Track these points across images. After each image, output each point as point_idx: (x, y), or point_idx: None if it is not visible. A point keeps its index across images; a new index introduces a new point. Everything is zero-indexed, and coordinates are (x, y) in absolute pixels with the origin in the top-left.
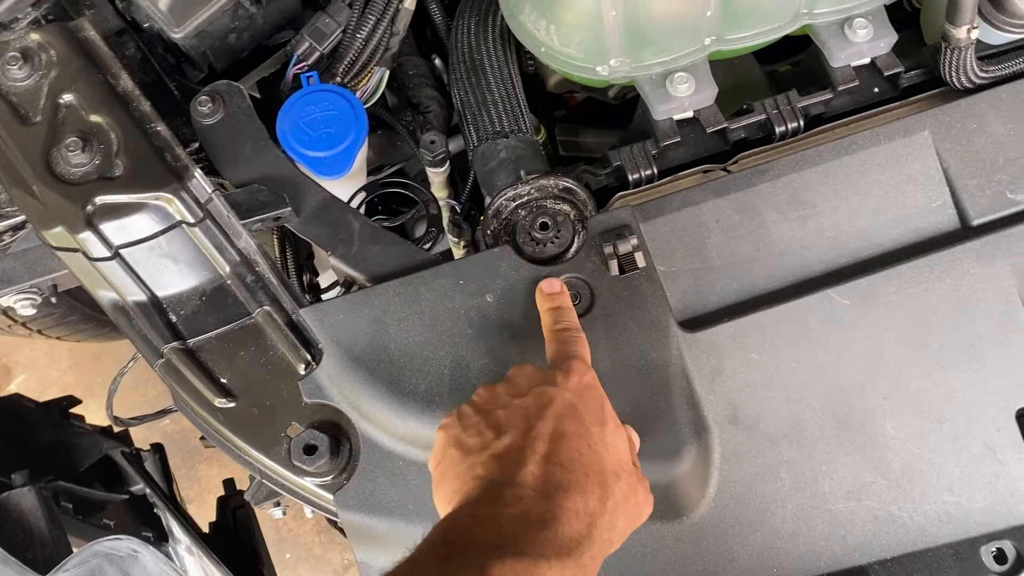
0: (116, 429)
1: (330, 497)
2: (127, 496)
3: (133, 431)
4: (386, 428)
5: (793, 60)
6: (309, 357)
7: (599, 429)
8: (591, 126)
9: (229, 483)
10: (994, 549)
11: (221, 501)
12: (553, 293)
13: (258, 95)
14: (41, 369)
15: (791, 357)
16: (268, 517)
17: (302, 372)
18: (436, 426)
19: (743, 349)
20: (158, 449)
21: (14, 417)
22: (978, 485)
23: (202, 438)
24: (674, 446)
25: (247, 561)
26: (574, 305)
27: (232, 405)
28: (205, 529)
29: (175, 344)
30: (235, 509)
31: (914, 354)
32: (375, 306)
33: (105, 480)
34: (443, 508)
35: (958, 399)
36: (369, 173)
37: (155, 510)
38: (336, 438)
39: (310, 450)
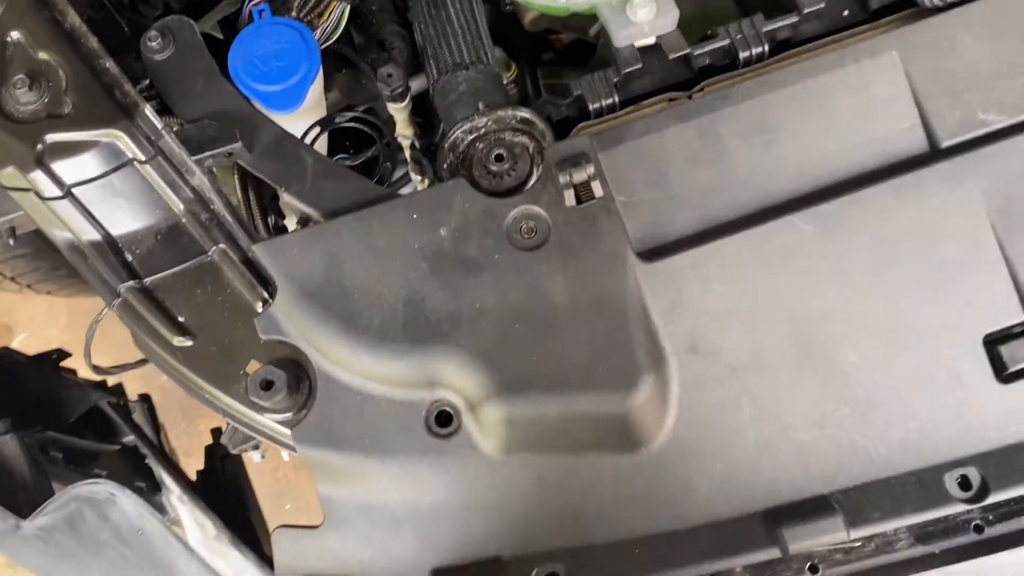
0: (107, 380)
1: (290, 433)
2: (119, 447)
3: (131, 384)
4: (342, 363)
5: None
6: (266, 295)
7: None
8: (576, 68)
9: (217, 432)
10: (958, 476)
11: (209, 449)
12: None
13: (220, 35)
14: (40, 328)
15: (752, 285)
16: (267, 471)
17: (259, 309)
18: (391, 359)
19: (703, 278)
20: (146, 399)
21: (4, 370)
22: (943, 412)
23: None
24: (631, 377)
25: (235, 507)
26: (529, 238)
27: (190, 344)
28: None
29: (131, 283)
30: (223, 457)
31: (879, 280)
32: (328, 241)
33: (98, 431)
34: None
35: (924, 325)
36: (336, 114)
37: (147, 461)
38: (296, 375)
39: (267, 385)
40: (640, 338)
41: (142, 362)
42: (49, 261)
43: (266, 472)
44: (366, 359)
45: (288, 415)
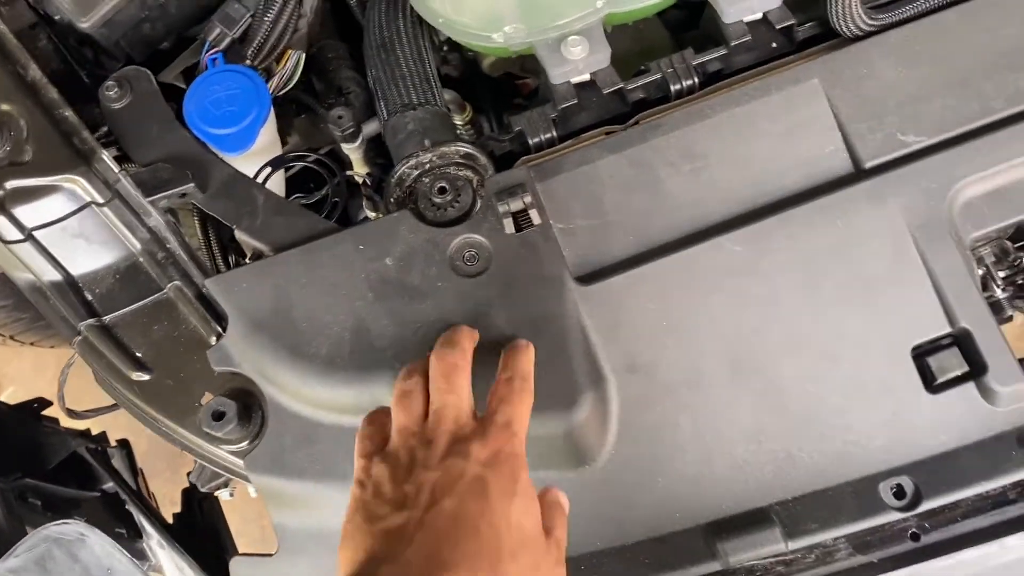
0: (90, 428)
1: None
2: (99, 494)
3: (115, 432)
4: (291, 392)
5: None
6: (220, 329)
7: (504, 505)
8: None
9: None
10: (893, 485)
11: (185, 492)
12: (515, 345)
13: (184, 85)
14: (29, 380)
15: (686, 305)
16: (252, 518)
17: (213, 343)
18: (339, 386)
19: (638, 299)
20: (124, 445)
21: None
22: (876, 423)
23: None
24: (571, 396)
25: (212, 549)
26: (471, 265)
27: (148, 378)
28: None
29: (91, 321)
30: (200, 500)
31: (808, 296)
32: (277, 274)
33: (79, 478)
34: (341, 570)
35: (853, 338)
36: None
37: (126, 506)
38: (247, 405)
39: (218, 416)
40: (580, 358)
41: (115, 406)
42: (32, 312)
43: (251, 519)
44: (315, 387)
45: (243, 445)
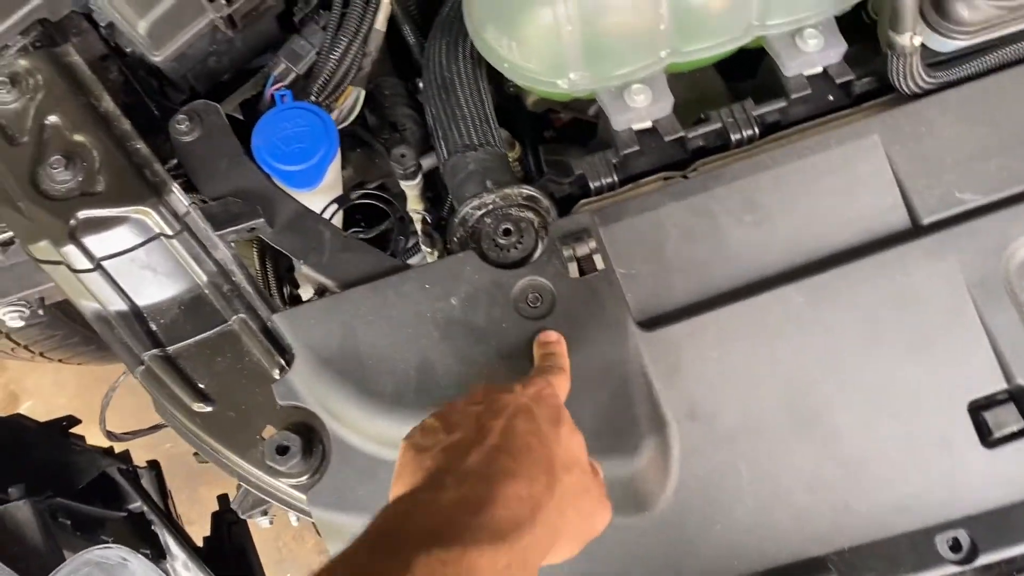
0: (114, 446)
1: (304, 498)
2: (125, 513)
3: (135, 452)
4: (356, 428)
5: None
6: (283, 362)
7: (552, 427)
8: (575, 145)
9: (223, 498)
10: (949, 538)
11: (216, 516)
12: (548, 342)
13: (241, 116)
14: (48, 396)
15: (748, 353)
16: (269, 539)
17: (276, 376)
18: (404, 425)
19: (700, 346)
20: (154, 466)
21: (14, 436)
22: (933, 475)
23: (195, 454)
24: (633, 441)
25: (240, 574)
26: (535, 307)
27: (210, 409)
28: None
29: (155, 351)
30: (230, 524)
31: (868, 348)
32: (344, 310)
33: (104, 498)
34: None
35: (912, 392)
36: (351, 190)
37: (152, 527)
38: (309, 439)
39: (282, 450)
40: (642, 404)
41: (154, 428)
42: (63, 330)
43: (268, 539)
44: (380, 424)
45: (302, 479)
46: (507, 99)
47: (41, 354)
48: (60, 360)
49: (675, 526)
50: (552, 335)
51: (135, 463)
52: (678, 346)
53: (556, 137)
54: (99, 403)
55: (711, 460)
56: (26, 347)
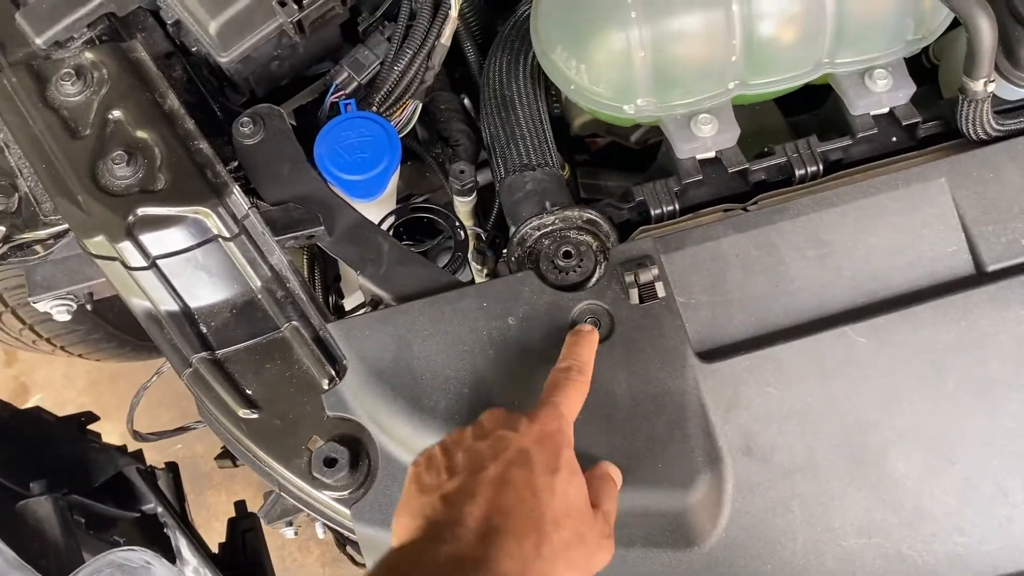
0: (132, 445)
1: (346, 512)
2: (138, 514)
3: (146, 452)
4: (405, 444)
5: (814, 112)
6: (333, 372)
7: (548, 478)
8: (606, 170)
9: (240, 505)
10: None
11: (231, 523)
12: (579, 330)
13: (295, 123)
14: (58, 389)
15: (806, 391)
16: (274, 548)
17: (326, 386)
18: None
19: (759, 382)
20: (172, 468)
21: (34, 429)
22: (989, 527)
23: (218, 456)
24: (688, 474)
25: None
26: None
27: (256, 416)
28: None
29: (204, 354)
30: (245, 532)
31: (928, 393)
32: (400, 324)
33: (117, 497)
34: (395, 541)
35: (971, 440)
36: (397, 202)
37: (165, 530)
38: (356, 452)
39: (330, 463)
40: (698, 436)
41: (179, 431)
42: (87, 325)
43: (273, 549)
44: (430, 440)
45: (345, 493)
46: (552, 120)
47: (62, 348)
48: (79, 355)
49: (724, 563)
50: (585, 327)
51: (147, 463)
52: (737, 380)
53: (590, 162)
54: (108, 398)
55: (764, 498)
56: (48, 340)
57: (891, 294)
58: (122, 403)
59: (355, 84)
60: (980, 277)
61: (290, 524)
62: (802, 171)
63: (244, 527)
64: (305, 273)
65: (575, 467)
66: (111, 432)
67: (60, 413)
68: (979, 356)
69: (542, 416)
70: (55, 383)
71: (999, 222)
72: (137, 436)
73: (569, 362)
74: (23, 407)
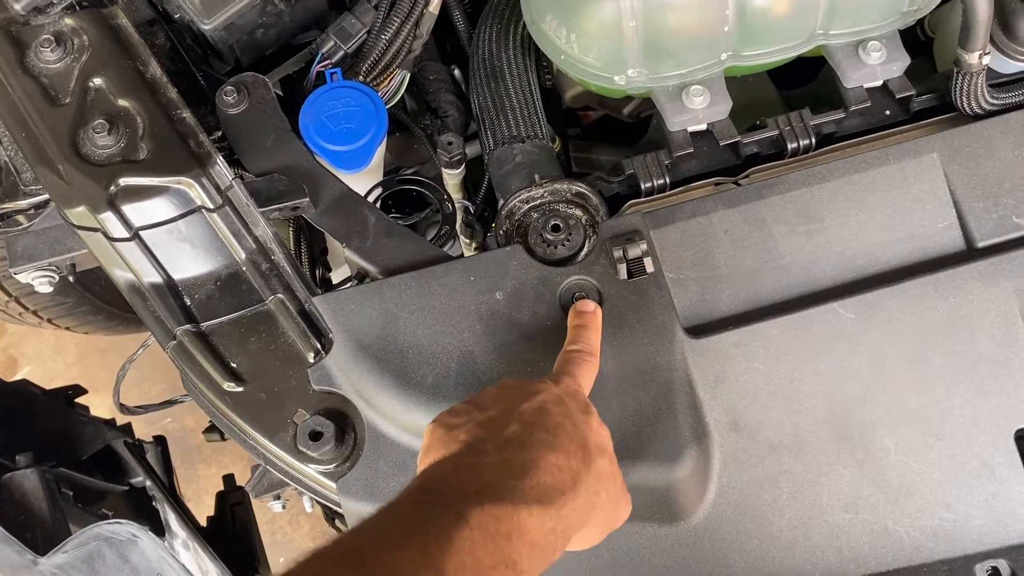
0: (121, 419)
1: (332, 485)
2: (126, 488)
3: (134, 426)
4: (391, 418)
5: (807, 86)
6: (319, 346)
7: (584, 416)
8: (599, 143)
9: (229, 478)
10: (988, 568)
11: (220, 496)
12: (584, 312)
13: (280, 92)
14: (47, 362)
15: (794, 367)
16: (263, 522)
17: (311, 360)
18: None
19: (747, 357)
20: (160, 441)
21: (21, 402)
22: (975, 503)
23: (206, 431)
24: (675, 449)
25: (243, 557)
26: None
27: (240, 389)
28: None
29: (188, 326)
30: (233, 505)
31: (915, 370)
32: (387, 297)
33: (106, 471)
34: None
35: (957, 417)
36: (385, 174)
37: (153, 503)
38: (341, 426)
39: (316, 436)
40: (685, 412)
41: (166, 404)
42: (74, 298)
43: (262, 523)
44: (417, 415)
45: (331, 466)
46: (544, 92)
47: (49, 320)
48: (67, 328)
49: (711, 538)
50: (589, 304)
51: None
52: (725, 355)
53: (582, 135)
54: (98, 372)
55: (751, 473)
56: (34, 312)
57: (881, 270)
58: (111, 376)
59: (341, 53)
60: (970, 253)
61: (277, 498)
62: (794, 144)
63: (232, 500)
64: (291, 246)
65: (601, 420)
66: (100, 406)
67: (48, 386)
68: (967, 332)
69: (563, 380)
70: (44, 356)
71: (990, 198)
72: (124, 409)
73: (580, 345)
74: (11, 380)
